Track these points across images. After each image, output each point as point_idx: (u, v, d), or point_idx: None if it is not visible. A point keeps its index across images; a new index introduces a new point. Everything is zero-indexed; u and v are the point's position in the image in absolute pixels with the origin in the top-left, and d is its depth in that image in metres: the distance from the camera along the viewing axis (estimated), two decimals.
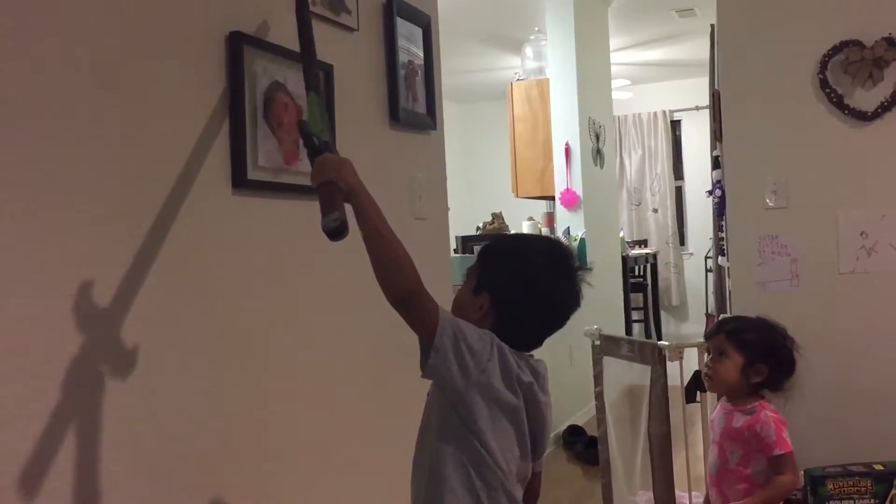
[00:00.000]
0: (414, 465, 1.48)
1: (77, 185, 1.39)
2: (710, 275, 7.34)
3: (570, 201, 5.91)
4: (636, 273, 7.86)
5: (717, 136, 3.62)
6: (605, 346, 3.28)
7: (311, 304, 2.01)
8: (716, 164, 3.62)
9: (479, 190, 8.49)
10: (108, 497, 1.41)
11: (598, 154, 6.33)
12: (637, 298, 7.79)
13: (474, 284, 1.51)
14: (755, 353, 2.29)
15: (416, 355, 1.37)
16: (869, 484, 2.78)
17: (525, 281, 1.47)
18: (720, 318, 2.51)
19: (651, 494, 2.97)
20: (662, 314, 8.48)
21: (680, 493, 3.08)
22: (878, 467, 2.82)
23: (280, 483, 1.84)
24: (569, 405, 5.28)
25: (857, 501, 2.78)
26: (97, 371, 1.41)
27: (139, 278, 1.50)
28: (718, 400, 2.47)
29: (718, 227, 3.76)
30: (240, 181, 1.76)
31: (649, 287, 8.00)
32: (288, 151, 1.90)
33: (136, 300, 1.49)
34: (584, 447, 4.68)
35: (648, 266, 8.03)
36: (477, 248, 5.21)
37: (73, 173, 1.39)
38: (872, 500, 2.78)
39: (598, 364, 3.32)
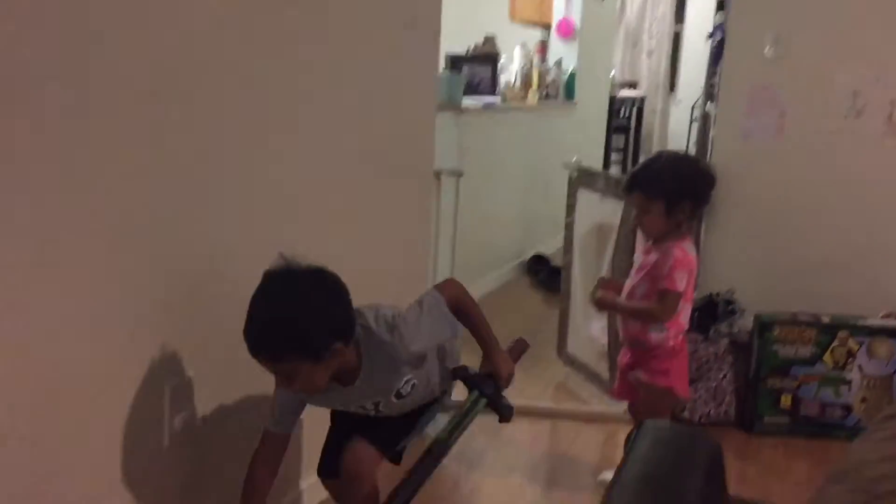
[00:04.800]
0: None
1: None
2: (695, 124, 7.29)
3: (567, 31, 5.75)
4: (621, 115, 7.78)
5: None
6: (582, 178, 3.31)
7: (293, 106, 1.97)
8: (720, 5, 3.51)
9: (474, 10, 8.20)
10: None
11: None
12: (619, 140, 7.76)
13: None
14: (674, 195, 2.25)
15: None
16: (814, 334, 2.91)
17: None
18: (633, 170, 2.46)
19: (605, 323, 3.09)
20: (641, 158, 8.49)
21: None
22: (826, 320, 2.94)
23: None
24: (537, 234, 5.38)
25: (798, 348, 2.92)
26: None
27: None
28: None
29: (712, 73, 3.69)
30: None
31: (632, 130, 7.95)
32: None
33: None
34: (547, 275, 4.82)
35: (635, 109, 7.93)
36: (471, 68, 4.95)
37: None
38: (814, 349, 2.91)
39: (572, 196, 3.35)
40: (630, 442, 1.14)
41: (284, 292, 1.57)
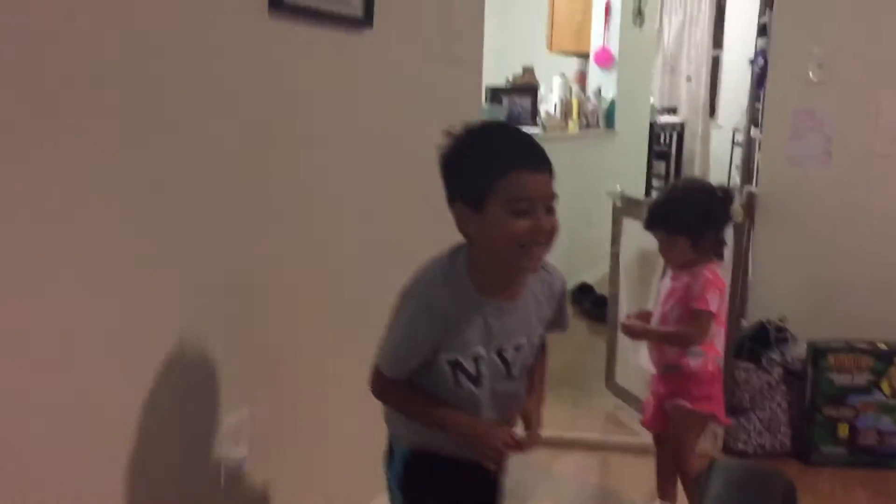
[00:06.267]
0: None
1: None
2: (737, 148, 7.23)
3: (605, 60, 5.76)
4: (662, 141, 7.76)
5: (767, 2, 3.48)
6: (626, 207, 3.29)
7: (342, 141, 2.00)
8: (762, 31, 3.50)
9: (512, 42, 8.26)
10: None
11: (638, 14, 6.11)
12: (660, 167, 7.72)
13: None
14: (697, 229, 2.25)
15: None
16: (869, 361, 2.84)
17: None
18: (651, 207, 2.45)
19: None
20: None
21: None
22: (882, 346, 2.87)
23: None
24: (580, 263, 5.35)
25: (854, 376, 2.85)
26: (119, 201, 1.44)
27: (169, 107, 1.50)
28: None
29: (756, 98, 3.68)
30: (277, 3, 1.71)
31: (673, 156, 7.91)
32: None
33: (164, 130, 1.50)
34: (592, 305, 4.78)
35: (675, 135, 7.90)
36: (511, 99, 4.90)
37: None
38: (870, 377, 2.85)
39: (617, 224, 3.34)
40: (701, 482, 1.11)
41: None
